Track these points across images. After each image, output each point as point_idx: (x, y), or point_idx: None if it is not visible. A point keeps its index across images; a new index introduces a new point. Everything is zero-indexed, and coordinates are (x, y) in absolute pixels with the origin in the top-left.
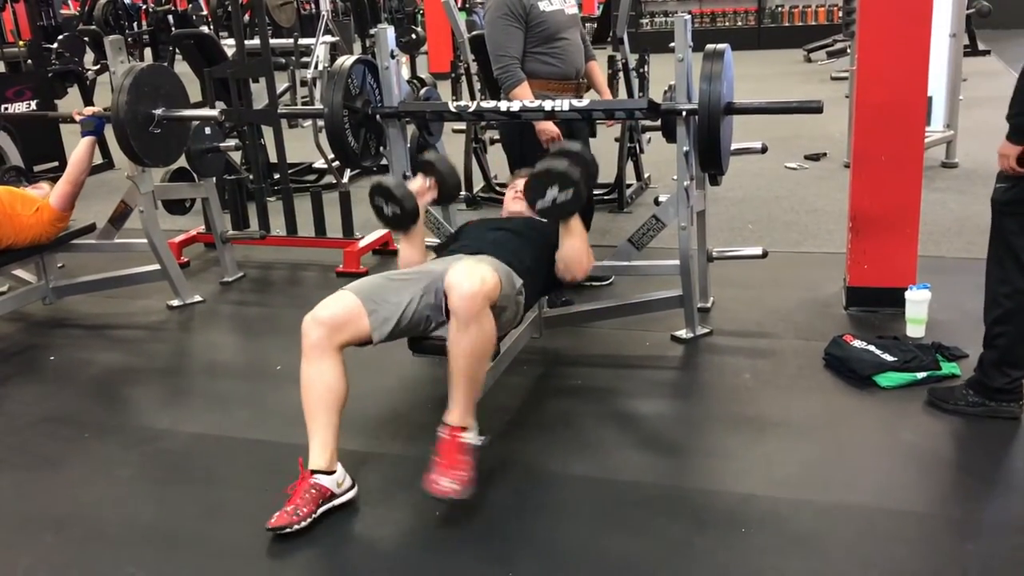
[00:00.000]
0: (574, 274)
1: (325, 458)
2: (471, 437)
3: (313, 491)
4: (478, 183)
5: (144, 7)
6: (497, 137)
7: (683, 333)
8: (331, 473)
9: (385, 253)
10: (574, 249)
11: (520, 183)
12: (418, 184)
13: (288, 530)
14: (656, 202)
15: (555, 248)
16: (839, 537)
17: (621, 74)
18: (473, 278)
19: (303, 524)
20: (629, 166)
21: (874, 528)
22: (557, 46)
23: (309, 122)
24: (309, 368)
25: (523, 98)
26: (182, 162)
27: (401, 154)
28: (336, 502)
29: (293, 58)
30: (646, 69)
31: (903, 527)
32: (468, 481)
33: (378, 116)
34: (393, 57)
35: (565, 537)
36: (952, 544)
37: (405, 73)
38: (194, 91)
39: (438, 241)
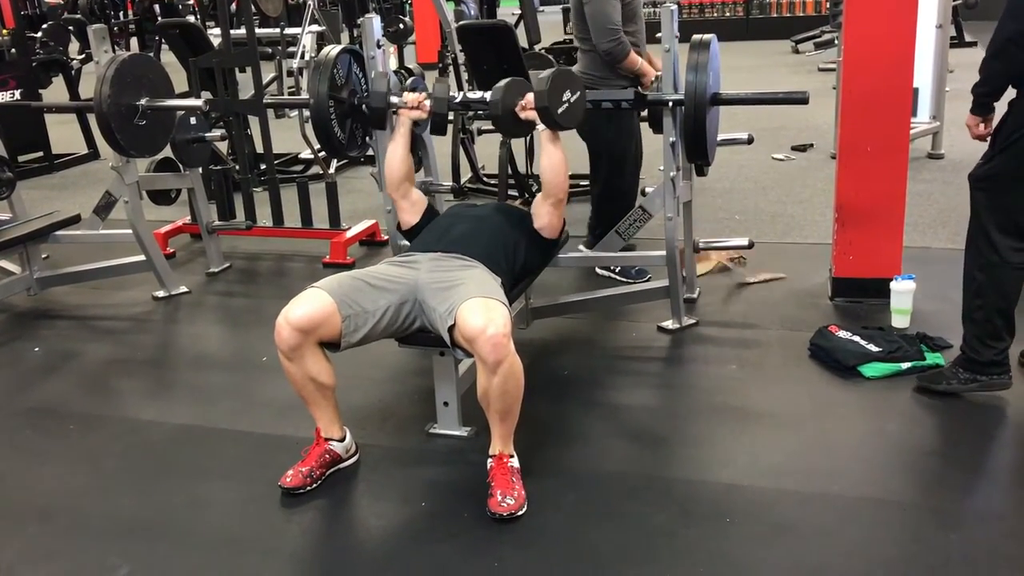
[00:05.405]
0: (559, 188)
1: (335, 428)
2: (516, 461)
3: (327, 456)
4: (466, 174)
5: None
6: (485, 128)
7: (669, 324)
8: (342, 440)
9: (372, 244)
10: (559, 156)
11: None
12: (411, 97)
13: (301, 491)
14: (643, 193)
15: (525, 231)
16: (823, 527)
17: None
18: (495, 321)
19: (314, 487)
20: None
21: (858, 518)
22: (637, 26)
23: (296, 112)
24: (291, 366)
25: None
26: (167, 152)
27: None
28: (342, 465)
29: (280, 48)
30: None
31: (886, 517)
32: (523, 498)
33: (364, 106)
34: (379, 47)
35: (550, 527)
36: (935, 533)
37: (392, 63)
38: (180, 81)
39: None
